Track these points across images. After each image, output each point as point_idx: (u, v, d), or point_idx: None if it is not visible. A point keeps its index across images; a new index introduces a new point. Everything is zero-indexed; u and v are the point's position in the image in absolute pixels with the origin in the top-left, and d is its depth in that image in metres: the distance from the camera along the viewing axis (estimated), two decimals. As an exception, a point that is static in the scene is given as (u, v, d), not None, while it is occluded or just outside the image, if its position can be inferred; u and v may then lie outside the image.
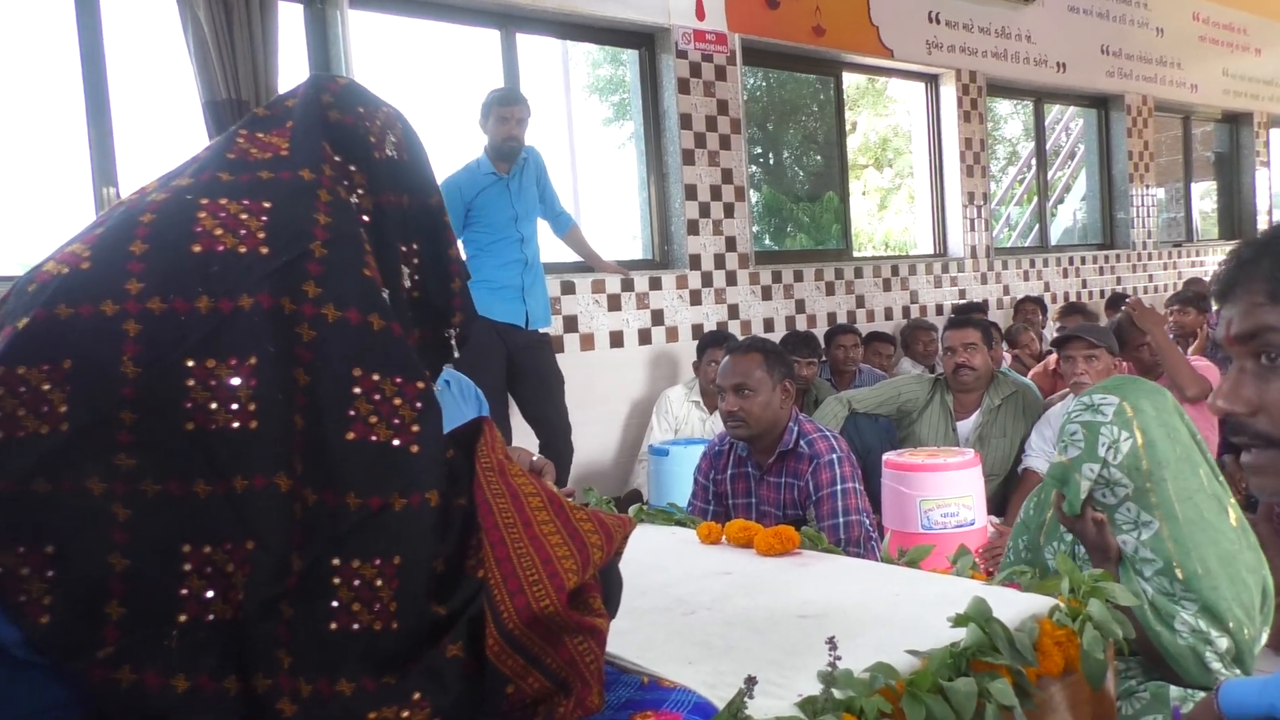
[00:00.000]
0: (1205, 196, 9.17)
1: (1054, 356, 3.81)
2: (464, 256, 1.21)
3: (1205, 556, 1.63)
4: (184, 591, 0.84)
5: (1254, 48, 8.54)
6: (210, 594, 0.85)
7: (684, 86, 4.63)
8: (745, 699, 0.93)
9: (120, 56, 3.24)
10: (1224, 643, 1.59)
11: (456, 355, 1.17)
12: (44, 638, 0.80)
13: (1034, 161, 7.43)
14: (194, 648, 0.83)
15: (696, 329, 4.63)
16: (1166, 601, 1.63)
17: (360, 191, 1.07)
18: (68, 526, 0.82)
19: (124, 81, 3.25)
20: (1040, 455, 3.25)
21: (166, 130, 3.58)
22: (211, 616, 0.84)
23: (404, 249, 1.11)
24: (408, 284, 1.12)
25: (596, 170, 7.13)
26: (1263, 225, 8.77)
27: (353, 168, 1.06)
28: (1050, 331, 5.45)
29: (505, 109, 3.58)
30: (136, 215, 0.93)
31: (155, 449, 0.84)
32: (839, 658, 1.01)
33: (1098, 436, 1.68)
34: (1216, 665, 1.58)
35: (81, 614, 0.81)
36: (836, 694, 1.00)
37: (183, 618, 0.84)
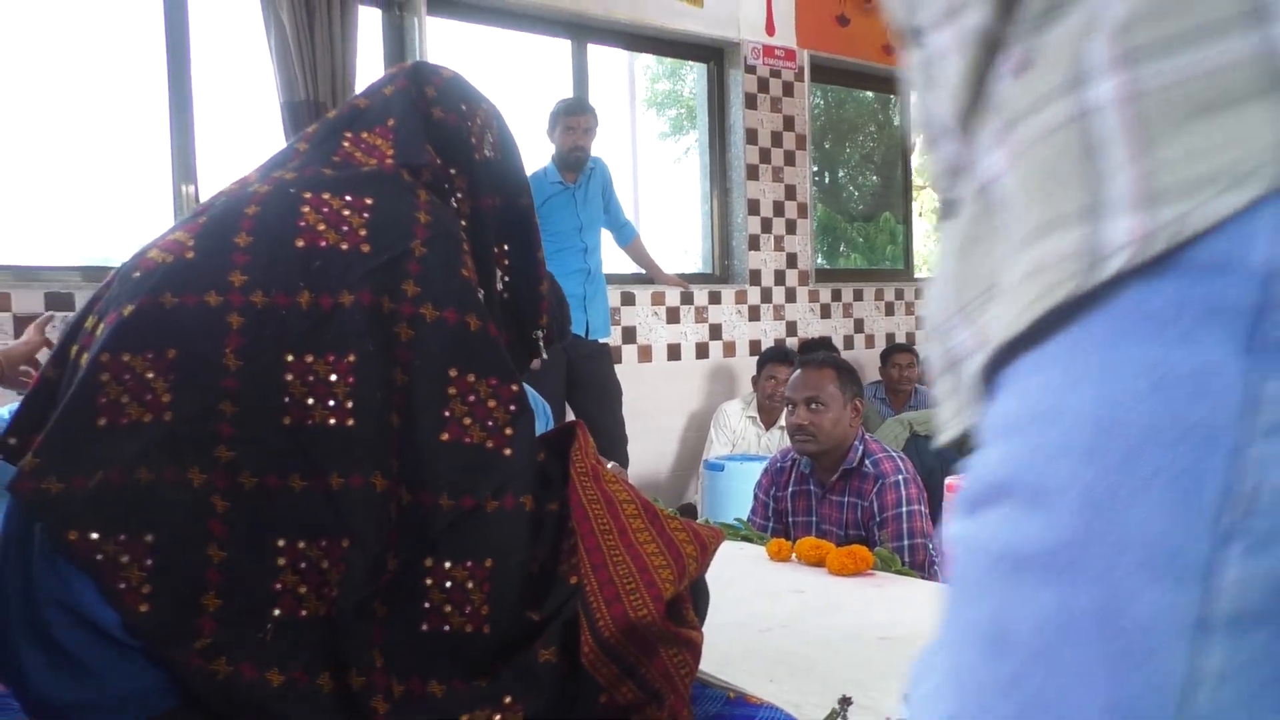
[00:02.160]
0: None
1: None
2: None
3: None
4: (278, 586, 0.84)
5: None
6: (304, 590, 0.84)
7: (751, 101, 4.61)
8: (840, 719, 0.91)
9: (204, 55, 3.31)
10: None
11: (545, 356, 1.17)
12: (142, 625, 0.80)
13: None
14: (289, 642, 0.83)
15: (754, 345, 4.60)
16: None
17: (459, 195, 1.07)
18: (168, 516, 0.82)
19: (207, 80, 3.32)
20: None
21: (245, 129, 3.65)
22: (305, 612, 0.84)
23: (497, 250, 1.11)
24: (499, 286, 1.12)
25: (656, 182, 7.14)
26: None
27: (453, 170, 1.06)
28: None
29: (572, 118, 3.59)
30: (241, 206, 0.94)
31: (254, 442, 0.85)
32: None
33: None
34: None
35: (179, 604, 0.81)
36: None
37: (277, 612, 0.84)
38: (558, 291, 1.70)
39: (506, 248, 1.12)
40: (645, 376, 4.21)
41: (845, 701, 0.92)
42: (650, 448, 4.18)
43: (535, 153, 3.77)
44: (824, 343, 5.02)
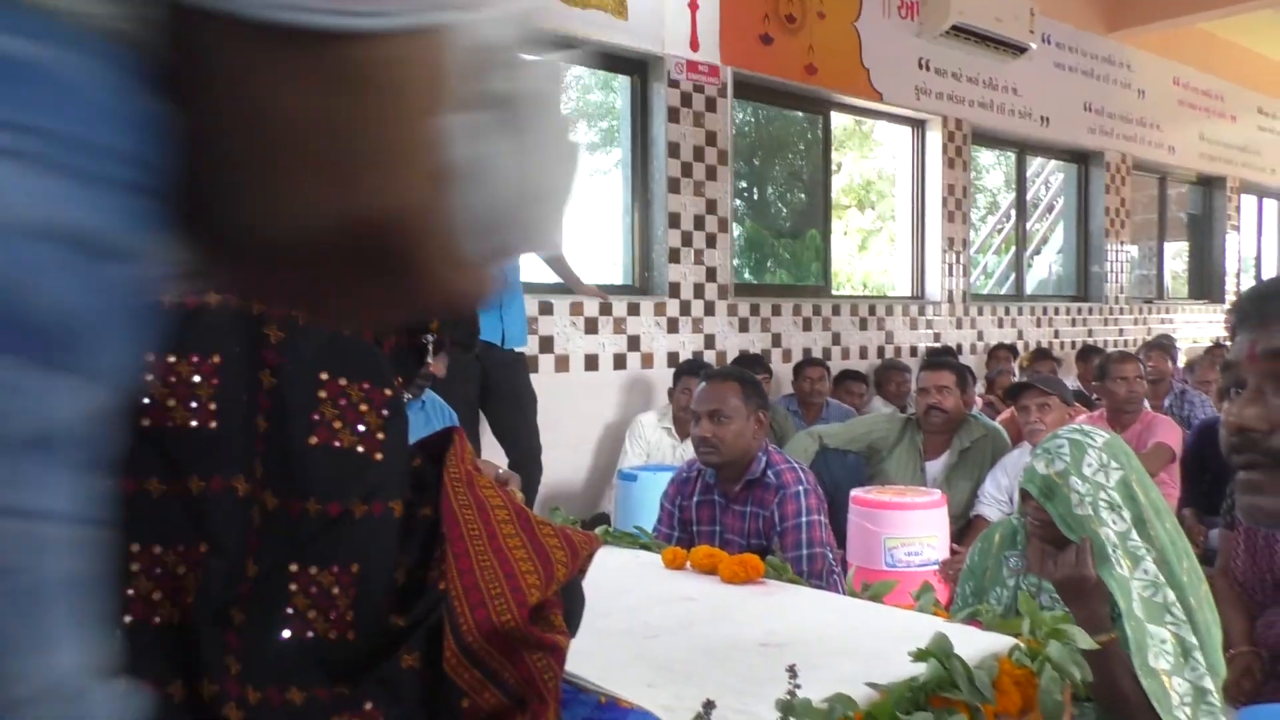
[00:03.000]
0: (1177, 256, 9.34)
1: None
2: None
3: (1199, 595, 1.64)
4: (130, 592, 0.82)
5: (1229, 114, 8.74)
6: (158, 595, 0.82)
7: (674, 115, 4.66)
8: (702, 725, 0.92)
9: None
10: (1184, 686, 1.59)
11: (431, 360, 1.16)
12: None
13: (1013, 212, 7.54)
14: (138, 649, 0.81)
15: (672, 357, 4.63)
16: (1159, 630, 1.61)
17: None
18: None
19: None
20: (992, 503, 3.27)
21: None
22: (158, 619, 0.82)
23: None
24: None
25: (580, 195, 7.16)
26: (1231, 288, 8.94)
27: None
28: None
29: None
30: None
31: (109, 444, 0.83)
32: (799, 686, 1.00)
33: (1084, 455, 1.69)
34: (1183, 713, 1.58)
35: None
36: (794, 725, 0.99)
37: (128, 618, 0.82)
38: None
39: None
40: (562, 386, 4.21)
41: (709, 705, 0.94)
42: (565, 458, 4.18)
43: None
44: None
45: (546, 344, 4.22)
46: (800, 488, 2.38)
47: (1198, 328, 8.55)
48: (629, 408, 4.45)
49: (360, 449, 0.90)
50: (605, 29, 4.34)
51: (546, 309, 4.22)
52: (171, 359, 0.85)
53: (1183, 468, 3.70)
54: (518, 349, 3.76)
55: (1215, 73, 8.45)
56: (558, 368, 4.26)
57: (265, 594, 0.85)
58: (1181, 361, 6.37)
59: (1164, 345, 5.13)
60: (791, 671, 1.00)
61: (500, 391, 3.65)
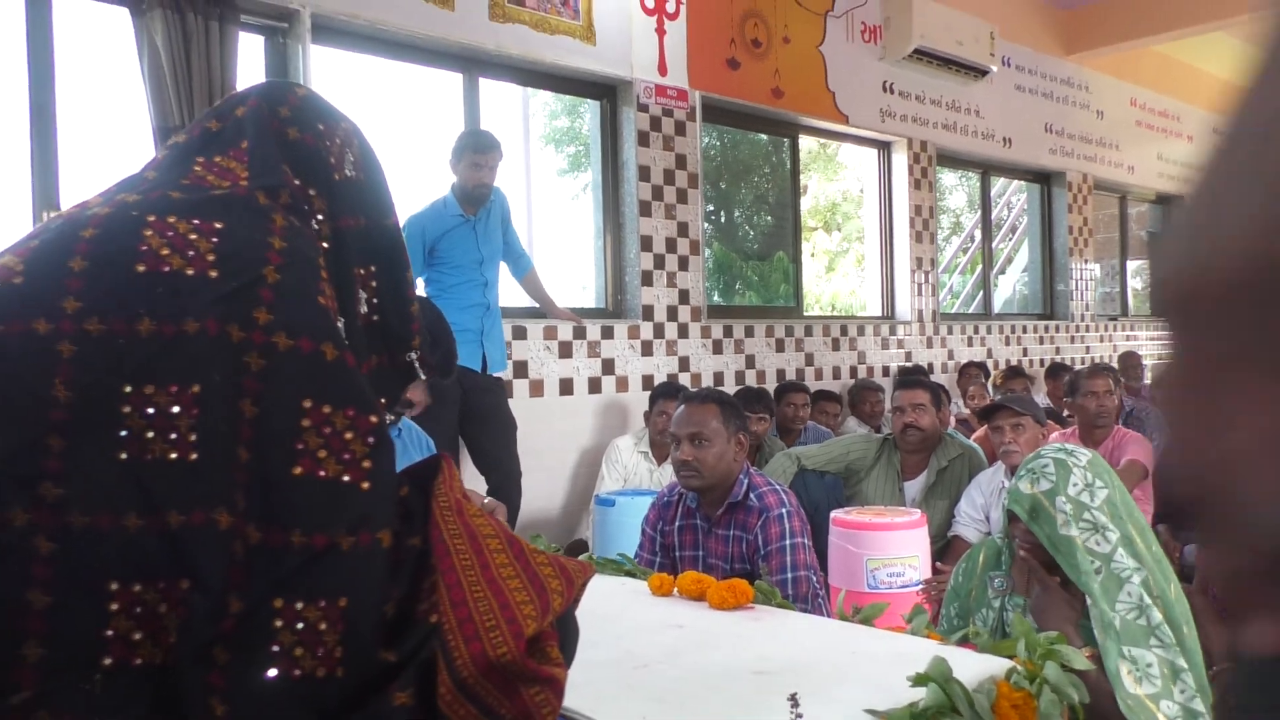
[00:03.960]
0: (1138, 274, 9.50)
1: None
2: (422, 292, 1.18)
3: (1186, 612, 1.63)
4: (110, 632, 0.78)
5: (1186, 134, 8.93)
6: (139, 636, 0.79)
7: (644, 139, 4.67)
8: (705, 759, 0.89)
9: (70, 76, 3.16)
10: (1174, 709, 1.58)
11: (422, 376, 1.13)
12: (-49, 679, 0.73)
13: (977, 232, 7.63)
14: (119, 693, 0.77)
15: (647, 380, 4.62)
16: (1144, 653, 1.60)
17: (320, 216, 1.03)
18: None
19: (72, 102, 3.17)
20: (969, 523, 3.27)
21: (113, 154, 3.49)
22: (139, 660, 0.79)
23: (361, 272, 1.07)
24: (364, 309, 1.08)
25: (551, 219, 7.15)
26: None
27: (312, 191, 1.02)
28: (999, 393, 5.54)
29: (480, 155, 3.55)
30: (77, 229, 0.88)
31: (85, 478, 0.79)
32: (800, 715, 0.98)
33: (1069, 474, 1.68)
34: None
35: None
36: (796, 755, 0.96)
37: (108, 661, 0.78)
38: (434, 316, 1.66)
39: (373, 268, 1.09)
40: (537, 411, 4.18)
41: (711, 736, 0.91)
42: (542, 483, 4.14)
43: (429, 184, 3.73)
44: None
45: (521, 369, 4.19)
46: (784, 509, 2.36)
47: (1161, 344, 8.67)
48: (605, 432, 4.42)
49: (346, 478, 0.87)
50: (574, 54, 4.35)
51: (520, 333, 4.19)
52: (149, 390, 0.82)
53: (1155, 484, 3.72)
54: (497, 374, 3.73)
55: (1171, 94, 8.65)
56: (532, 392, 4.23)
57: (249, 631, 0.82)
58: (1148, 379, 6.43)
59: (1112, 370, 5.11)
60: (793, 700, 0.97)
61: (481, 416, 3.61)
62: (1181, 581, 1.90)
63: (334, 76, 3.78)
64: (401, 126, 5.02)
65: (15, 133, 3.09)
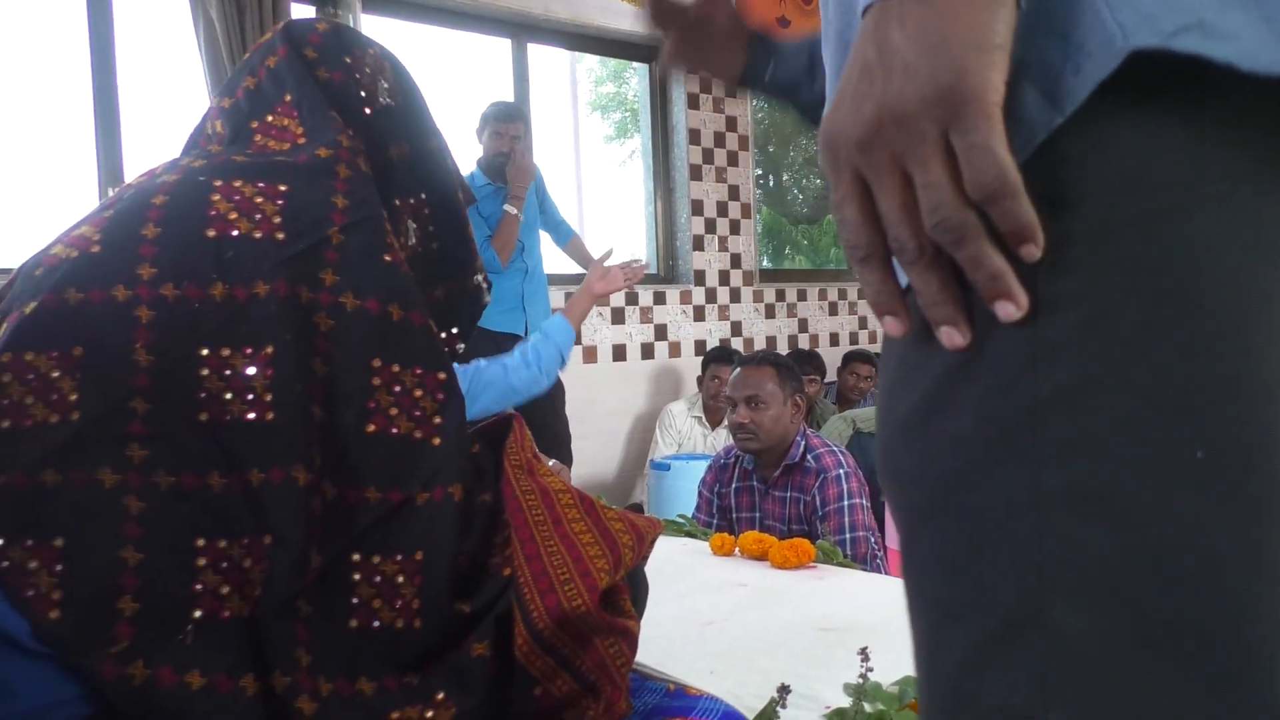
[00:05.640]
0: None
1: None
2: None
3: None
4: (198, 587, 0.81)
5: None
6: (226, 590, 0.81)
7: (693, 102, 4.62)
8: (778, 708, 0.90)
9: (130, 54, 3.22)
10: None
11: (488, 301, 1.12)
12: (53, 633, 0.77)
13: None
14: (210, 645, 0.80)
15: (700, 345, 4.61)
16: None
17: (361, 155, 1.02)
18: (77, 519, 0.78)
19: (133, 79, 3.23)
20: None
21: (175, 130, 3.56)
22: (228, 613, 0.81)
23: (412, 201, 1.06)
24: (413, 240, 1.07)
25: (600, 185, 7.14)
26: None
27: (351, 131, 1.01)
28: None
29: (502, 124, 3.53)
30: (148, 197, 0.90)
31: (169, 440, 0.81)
32: (871, 669, 0.98)
33: None
34: None
35: (93, 609, 0.78)
36: (867, 707, 0.97)
37: (197, 614, 0.80)
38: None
39: (423, 195, 1.06)
40: (591, 378, 4.19)
41: (784, 690, 0.92)
42: (597, 449, 4.16)
43: (478, 152, 3.72)
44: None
45: (574, 335, 4.20)
46: (841, 471, 2.35)
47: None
48: (658, 397, 4.43)
49: (418, 434, 0.89)
50: (622, 16, 4.31)
51: (572, 300, 4.19)
52: (225, 352, 0.84)
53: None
54: (541, 339, 3.74)
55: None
56: (586, 359, 4.25)
57: (330, 585, 0.84)
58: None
59: None
60: (864, 654, 0.97)
61: (526, 381, 3.63)
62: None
63: (386, 46, 3.78)
64: (455, 96, 5.03)
65: (80, 111, 3.16)
